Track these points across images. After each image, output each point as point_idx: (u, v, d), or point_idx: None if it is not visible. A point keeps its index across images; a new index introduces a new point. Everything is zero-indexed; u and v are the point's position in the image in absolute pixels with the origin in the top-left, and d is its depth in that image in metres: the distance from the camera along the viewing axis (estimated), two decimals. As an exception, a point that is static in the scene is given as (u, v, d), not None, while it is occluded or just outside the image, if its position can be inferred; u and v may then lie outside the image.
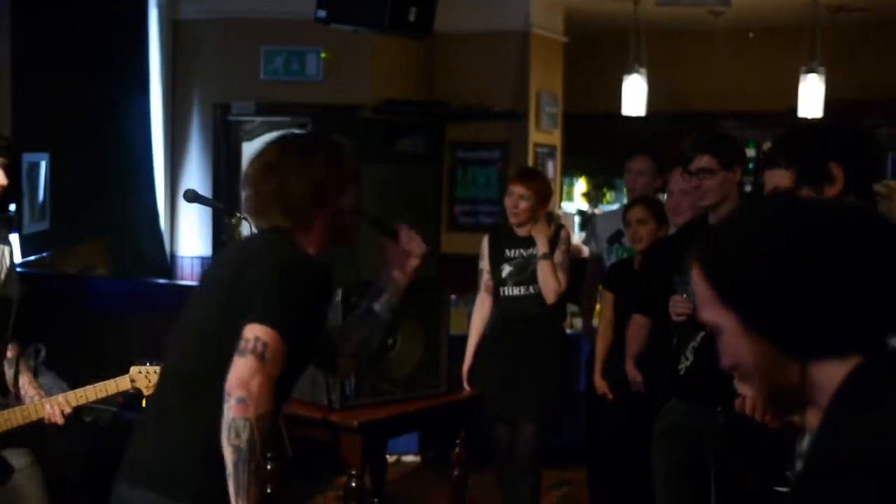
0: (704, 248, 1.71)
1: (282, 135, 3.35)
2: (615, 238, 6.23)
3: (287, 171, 3.03)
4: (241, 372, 2.75)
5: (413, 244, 3.32)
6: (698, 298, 1.70)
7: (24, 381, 4.09)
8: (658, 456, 4.59)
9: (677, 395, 4.49)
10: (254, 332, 2.79)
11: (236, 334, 2.81)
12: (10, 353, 4.13)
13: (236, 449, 2.73)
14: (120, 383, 3.97)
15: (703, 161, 4.41)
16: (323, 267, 2.99)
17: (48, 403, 3.93)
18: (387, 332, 3.44)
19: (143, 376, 3.98)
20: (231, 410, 2.73)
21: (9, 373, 4.10)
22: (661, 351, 4.96)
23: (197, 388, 2.94)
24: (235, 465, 2.74)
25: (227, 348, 2.81)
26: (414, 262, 3.34)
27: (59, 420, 3.91)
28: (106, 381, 3.96)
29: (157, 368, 3.96)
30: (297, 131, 6.46)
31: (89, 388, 3.96)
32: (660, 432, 4.59)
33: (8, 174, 4.03)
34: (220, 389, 2.77)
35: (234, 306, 2.88)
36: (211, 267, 3.41)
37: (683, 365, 4.39)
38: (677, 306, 4.44)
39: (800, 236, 1.61)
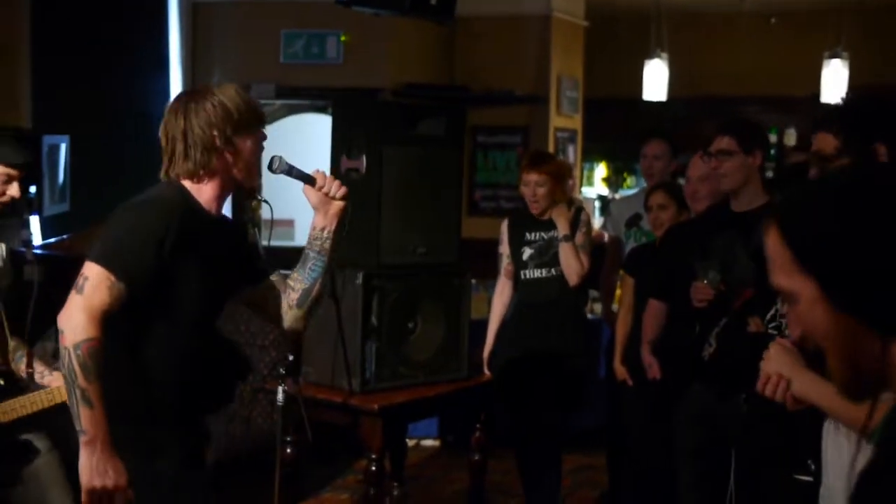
0: (785, 211, 1.62)
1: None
2: (633, 221, 6.21)
3: (182, 121, 3.17)
4: (66, 307, 2.94)
5: (333, 187, 3.37)
6: (773, 264, 1.61)
7: (39, 367, 4.07)
8: (680, 441, 4.57)
9: (700, 381, 4.47)
10: (85, 269, 2.98)
11: None
12: (20, 349, 4.12)
13: (63, 377, 2.93)
14: None
15: (723, 143, 4.36)
16: (158, 204, 3.11)
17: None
18: (325, 283, 3.44)
19: None
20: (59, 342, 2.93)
21: (20, 366, 4.08)
22: (680, 336, 4.93)
23: None
24: (67, 391, 2.93)
25: None
26: (337, 206, 3.39)
27: None
28: None
29: None
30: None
31: None
32: (682, 417, 4.56)
33: (24, 183, 4.06)
34: None
35: None
36: None
37: (707, 351, 4.37)
38: (699, 292, 4.40)
39: (890, 205, 1.53)
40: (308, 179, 3.38)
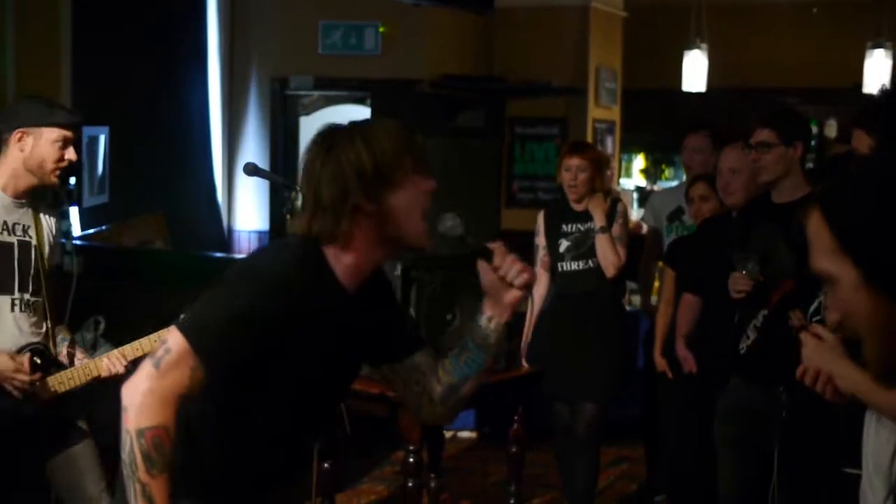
0: (829, 194, 1.61)
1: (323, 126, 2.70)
2: (675, 216, 6.16)
3: (316, 170, 2.57)
4: (135, 377, 2.44)
5: (512, 272, 2.70)
6: (814, 247, 1.60)
7: (80, 354, 4.10)
8: (720, 434, 4.54)
9: (739, 374, 4.43)
10: (168, 336, 2.48)
11: None
12: (62, 333, 4.14)
13: (124, 463, 2.43)
14: (162, 335, 3.97)
15: (762, 135, 4.31)
16: (280, 282, 2.49)
17: (105, 358, 3.95)
18: (482, 377, 2.79)
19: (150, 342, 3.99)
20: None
21: (62, 349, 4.09)
22: (717, 329, 4.90)
23: None
24: (126, 482, 2.44)
25: None
26: (514, 295, 2.73)
27: (121, 369, 3.92)
28: (160, 331, 3.95)
29: None
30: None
31: (144, 339, 3.98)
32: (722, 411, 4.53)
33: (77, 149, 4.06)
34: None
35: None
36: None
37: (744, 343, 4.33)
38: (737, 283, 4.37)
39: None
40: (485, 254, 2.74)
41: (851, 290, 1.56)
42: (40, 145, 3.86)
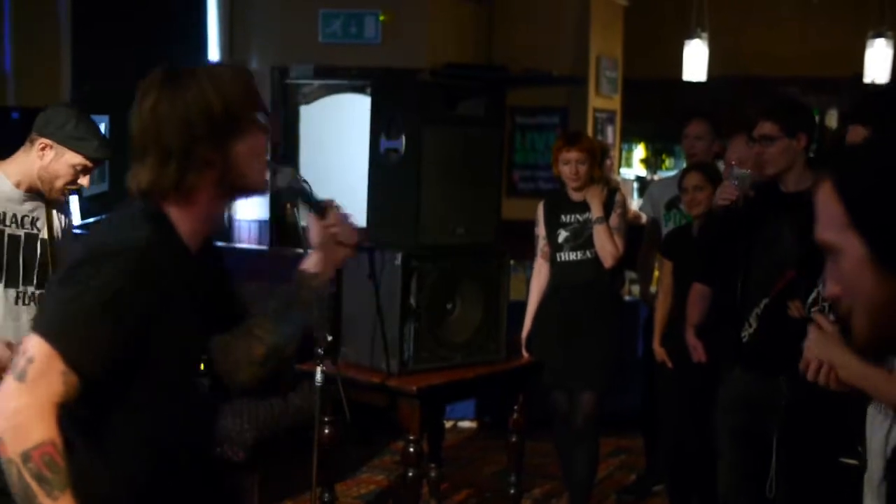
0: (841, 166, 1.59)
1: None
2: (672, 203, 6.16)
3: (155, 116, 2.42)
4: None
5: (344, 230, 2.65)
6: (822, 217, 1.58)
7: None
8: (721, 424, 4.54)
9: (740, 363, 4.43)
10: (27, 345, 2.18)
11: None
12: None
13: (17, 498, 2.14)
14: None
15: (765, 128, 4.31)
16: (123, 256, 2.23)
17: None
18: (299, 336, 2.68)
19: None
20: None
21: None
22: (721, 320, 4.90)
23: None
24: None
25: None
26: (342, 253, 2.68)
27: None
28: None
29: None
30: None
31: None
32: (723, 401, 4.53)
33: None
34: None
35: None
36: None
37: (746, 332, 4.33)
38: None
39: None
40: (318, 209, 2.66)
41: (855, 264, 1.55)
42: (60, 163, 3.85)
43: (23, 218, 3.92)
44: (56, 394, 2.14)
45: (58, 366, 2.14)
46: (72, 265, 2.26)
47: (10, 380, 2.14)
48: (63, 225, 4.06)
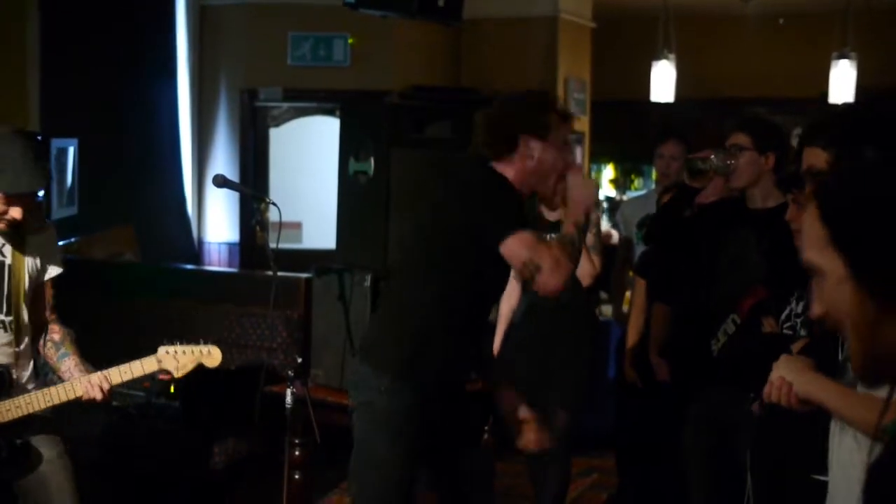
0: (826, 188, 1.65)
1: None
2: (644, 223, 6.18)
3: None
4: None
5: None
6: (807, 238, 1.64)
7: (71, 363, 4.01)
8: (690, 443, 4.56)
9: (709, 378, 4.45)
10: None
11: None
12: (56, 336, 4.08)
13: None
14: (146, 364, 3.92)
15: (738, 138, 4.34)
16: None
17: (87, 380, 3.87)
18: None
19: (172, 357, 3.94)
20: None
21: (53, 353, 4.04)
22: (686, 338, 4.92)
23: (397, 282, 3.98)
24: None
25: None
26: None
27: (99, 396, 3.86)
28: (132, 362, 3.91)
29: (186, 349, 3.93)
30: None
31: (113, 369, 3.91)
32: (692, 419, 4.55)
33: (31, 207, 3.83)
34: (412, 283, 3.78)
35: None
36: None
37: (715, 346, 4.35)
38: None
39: None
40: None
41: (838, 284, 1.59)
42: None
43: None
44: None
45: None
46: None
47: None
48: (42, 247, 4.00)
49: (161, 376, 4.05)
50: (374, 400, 3.73)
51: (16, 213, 3.75)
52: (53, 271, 4.07)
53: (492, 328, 5.72)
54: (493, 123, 3.87)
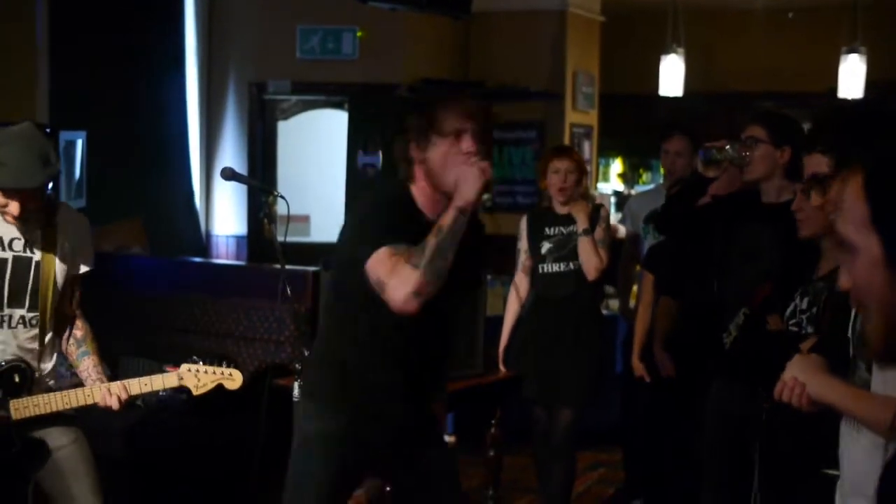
0: (874, 166, 1.61)
1: None
2: (651, 218, 6.17)
3: None
4: None
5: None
6: (846, 211, 1.61)
7: (90, 363, 4.04)
8: (705, 438, 4.55)
9: (721, 374, 4.44)
10: None
11: None
12: (79, 333, 4.11)
13: None
14: (167, 380, 3.95)
15: (754, 130, 4.32)
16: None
17: (105, 388, 3.90)
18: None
19: (193, 375, 3.96)
20: None
21: (74, 350, 4.07)
22: (696, 332, 4.91)
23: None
24: None
25: None
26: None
27: (115, 405, 3.89)
28: (153, 376, 3.95)
29: (208, 368, 3.94)
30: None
31: (133, 381, 3.93)
32: (707, 414, 4.54)
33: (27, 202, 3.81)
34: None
35: None
36: None
37: (727, 340, 4.34)
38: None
39: None
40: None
41: (871, 264, 1.57)
42: None
43: (11, 241, 3.89)
44: None
45: None
46: None
47: None
48: (70, 244, 4.01)
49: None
50: (306, 426, 3.66)
51: (13, 208, 3.77)
52: (83, 269, 4.10)
53: (499, 322, 5.73)
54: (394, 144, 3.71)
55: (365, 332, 3.55)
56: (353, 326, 3.57)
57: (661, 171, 6.97)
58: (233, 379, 4.00)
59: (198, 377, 3.95)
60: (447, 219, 3.28)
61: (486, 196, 3.40)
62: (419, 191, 3.51)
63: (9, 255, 3.88)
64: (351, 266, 3.40)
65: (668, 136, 6.12)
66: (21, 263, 3.90)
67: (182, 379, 3.96)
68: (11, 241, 3.88)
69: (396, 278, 3.22)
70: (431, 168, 3.44)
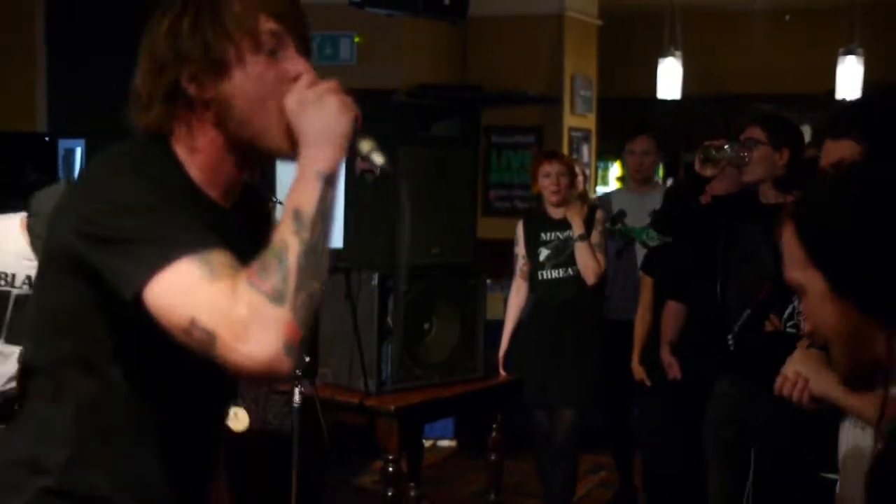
0: (799, 206, 1.68)
1: None
2: (618, 218, 6.15)
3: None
4: None
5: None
6: (787, 257, 1.68)
7: None
8: (708, 441, 4.55)
9: (726, 373, 4.44)
10: None
11: None
12: None
13: None
14: None
15: (754, 132, 4.33)
16: None
17: None
18: None
19: (234, 418, 3.95)
20: None
21: None
22: (698, 336, 4.91)
23: None
24: None
25: None
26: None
27: None
28: None
29: (243, 409, 3.91)
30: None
31: None
32: (710, 416, 4.54)
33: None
34: None
35: None
36: None
37: (732, 340, 4.35)
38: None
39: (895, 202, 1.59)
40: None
41: (819, 299, 1.63)
42: None
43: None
44: None
45: None
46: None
47: None
48: None
49: None
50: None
51: None
52: None
53: (498, 326, 5.74)
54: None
55: (114, 418, 1.91)
56: (88, 407, 1.90)
57: (661, 174, 6.99)
58: (238, 419, 3.98)
59: (238, 418, 3.93)
60: (305, 198, 1.83)
61: (376, 155, 1.92)
62: (191, 153, 1.96)
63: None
64: (87, 292, 1.83)
65: (633, 137, 6.27)
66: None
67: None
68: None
69: (249, 321, 1.67)
70: (233, 110, 1.91)
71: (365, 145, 1.91)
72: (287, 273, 1.72)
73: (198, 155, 1.94)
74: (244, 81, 1.89)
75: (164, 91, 1.97)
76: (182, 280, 1.69)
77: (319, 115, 1.87)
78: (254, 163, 2.02)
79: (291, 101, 1.88)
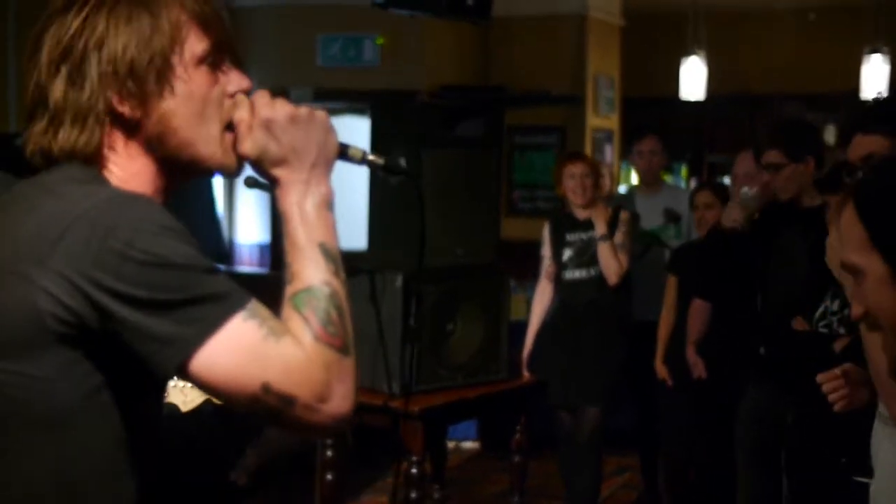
0: (862, 188, 1.64)
1: None
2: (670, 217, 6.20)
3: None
4: None
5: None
6: (846, 238, 1.64)
7: None
8: (739, 443, 4.53)
9: (755, 380, 4.43)
10: None
11: None
12: None
13: None
14: None
15: (771, 156, 4.33)
16: None
17: None
18: None
19: (179, 391, 3.94)
20: None
21: None
22: (724, 336, 4.89)
23: None
24: None
25: None
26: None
27: None
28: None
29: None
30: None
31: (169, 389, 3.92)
32: (741, 418, 4.53)
33: None
34: None
35: None
36: None
37: (764, 350, 4.34)
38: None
39: None
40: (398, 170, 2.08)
41: (878, 284, 1.59)
42: None
43: None
44: None
45: None
46: None
47: None
48: None
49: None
50: None
51: None
52: None
53: (522, 327, 5.73)
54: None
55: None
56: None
57: (683, 173, 6.98)
58: (183, 393, 3.97)
59: (185, 393, 3.93)
60: (323, 231, 1.76)
61: (372, 156, 1.88)
62: (123, 182, 1.66)
63: None
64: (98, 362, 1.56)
65: (639, 138, 6.34)
66: None
67: (167, 395, 3.94)
68: None
69: (329, 379, 1.62)
70: (172, 130, 1.67)
71: (356, 153, 1.83)
72: (348, 322, 1.66)
73: (131, 182, 1.67)
74: (186, 98, 1.66)
75: (96, 111, 1.62)
76: (244, 341, 1.52)
77: (313, 134, 1.72)
78: (184, 182, 1.80)
79: (249, 115, 1.69)
